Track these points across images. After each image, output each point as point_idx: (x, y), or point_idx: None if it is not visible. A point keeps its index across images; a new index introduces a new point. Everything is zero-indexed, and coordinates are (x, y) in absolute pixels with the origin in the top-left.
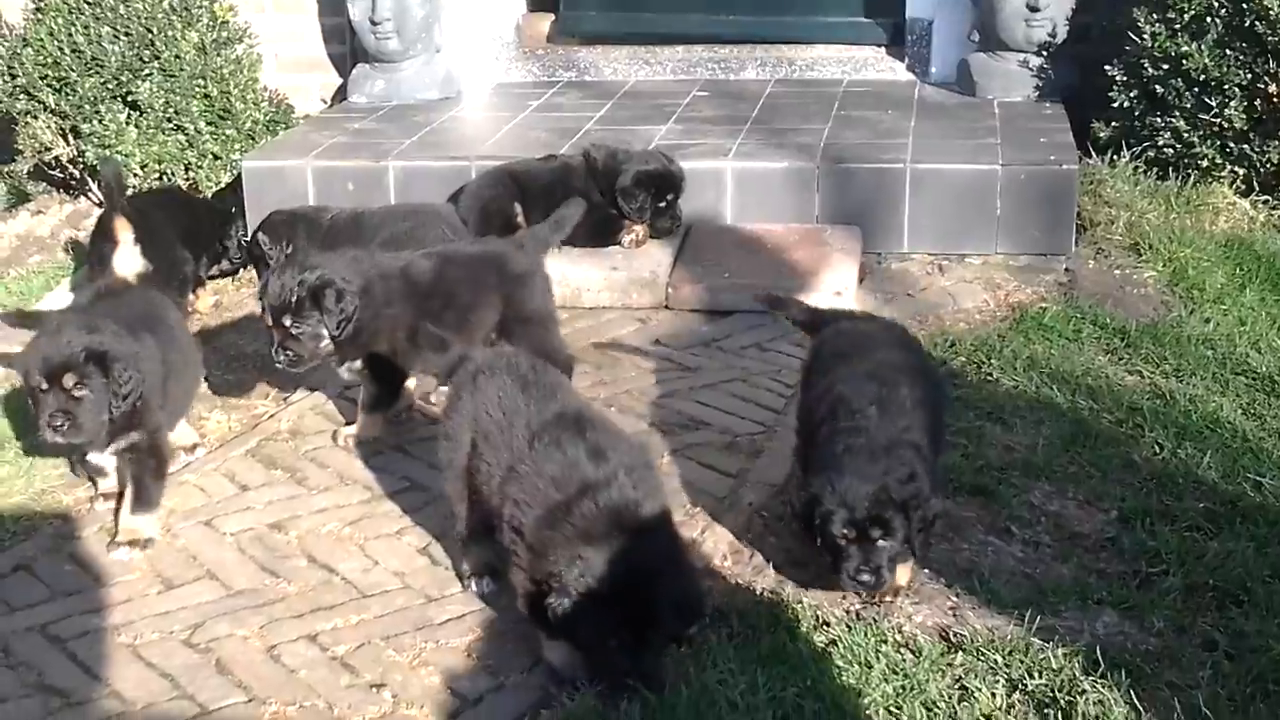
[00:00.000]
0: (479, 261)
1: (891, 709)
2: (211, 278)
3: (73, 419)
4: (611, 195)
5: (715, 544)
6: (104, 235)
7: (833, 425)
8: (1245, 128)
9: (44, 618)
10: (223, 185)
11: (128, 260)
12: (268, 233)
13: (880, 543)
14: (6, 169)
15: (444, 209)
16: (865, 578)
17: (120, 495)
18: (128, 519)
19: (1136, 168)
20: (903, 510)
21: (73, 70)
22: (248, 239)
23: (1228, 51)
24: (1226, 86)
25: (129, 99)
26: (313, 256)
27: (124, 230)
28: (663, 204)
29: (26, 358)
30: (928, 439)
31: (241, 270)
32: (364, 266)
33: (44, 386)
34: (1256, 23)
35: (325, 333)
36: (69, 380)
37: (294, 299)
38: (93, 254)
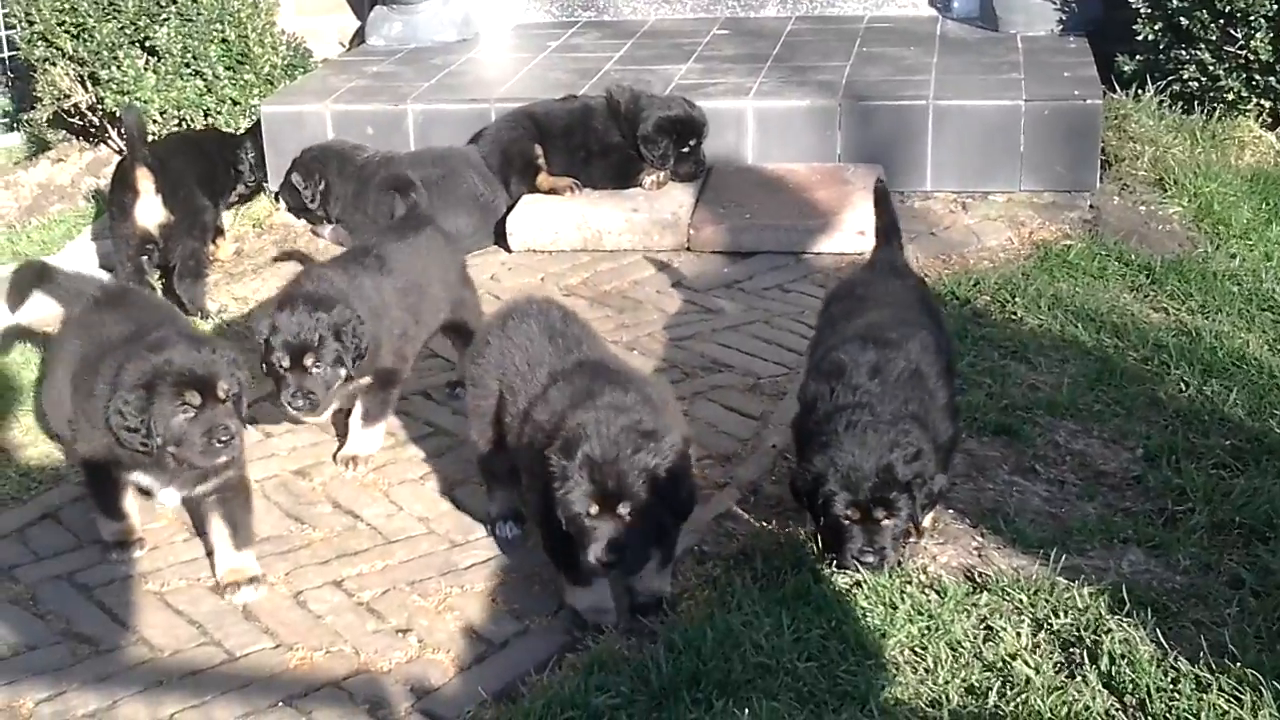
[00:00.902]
0: (428, 249)
1: (916, 649)
2: (231, 204)
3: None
4: (634, 138)
5: (739, 486)
6: (125, 185)
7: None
8: (1272, 59)
9: (71, 566)
10: (241, 130)
11: (149, 211)
12: (300, 171)
13: (885, 522)
14: (26, 117)
15: (472, 154)
16: (869, 559)
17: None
18: (235, 558)
19: (1161, 102)
20: (907, 490)
21: (90, 16)
22: (261, 169)
23: None
24: (1253, 18)
25: (147, 44)
26: (310, 283)
27: (145, 180)
28: (685, 149)
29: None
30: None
31: (259, 193)
32: (362, 287)
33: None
34: None
35: (343, 370)
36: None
37: (316, 337)
38: (113, 203)
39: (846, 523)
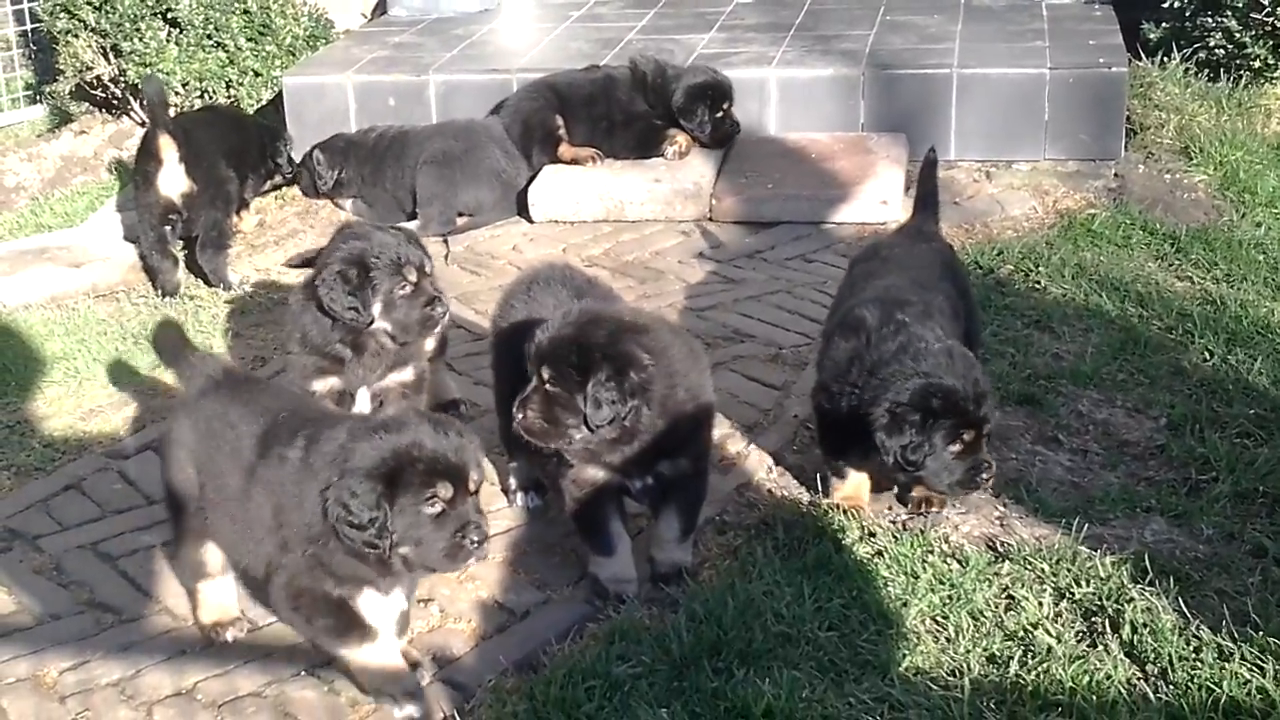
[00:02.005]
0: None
1: (937, 619)
2: (265, 193)
3: None
4: (661, 108)
5: (760, 456)
6: (148, 155)
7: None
8: None
9: (95, 536)
10: (264, 102)
11: (172, 180)
12: (327, 153)
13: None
14: (48, 90)
15: (494, 127)
16: (985, 475)
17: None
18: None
19: (1187, 69)
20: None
21: None
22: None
23: None
24: None
25: (169, 16)
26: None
27: (168, 149)
28: (719, 114)
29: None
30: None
31: (296, 183)
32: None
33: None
34: None
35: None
36: None
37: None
38: (137, 173)
39: (959, 446)
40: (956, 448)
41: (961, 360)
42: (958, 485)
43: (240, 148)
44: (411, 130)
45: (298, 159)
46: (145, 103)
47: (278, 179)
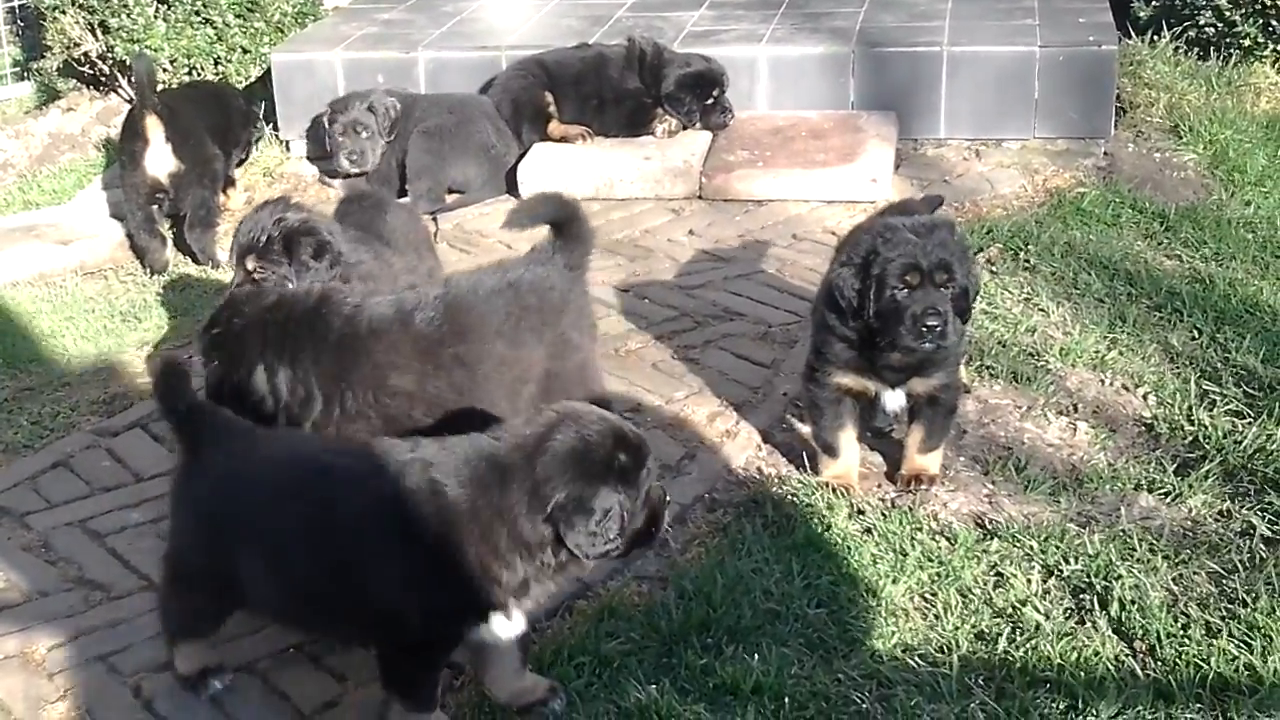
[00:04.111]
0: None
1: (926, 596)
2: (243, 160)
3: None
4: (653, 89)
5: (749, 433)
6: (135, 134)
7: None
8: None
9: (83, 513)
10: (252, 79)
11: (159, 159)
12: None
13: (944, 289)
14: (36, 66)
15: (487, 104)
16: (933, 321)
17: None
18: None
19: (1177, 48)
20: (962, 254)
21: None
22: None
23: None
24: None
25: None
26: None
27: (155, 129)
28: (710, 101)
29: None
30: None
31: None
32: None
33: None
34: None
35: None
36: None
37: None
38: (123, 152)
39: (905, 291)
40: (903, 291)
41: (924, 224)
42: (906, 333)
43: (224, 124)
44: (418, 98)
45: (284, 129)
46: (133, 80)
47: (252, 151)
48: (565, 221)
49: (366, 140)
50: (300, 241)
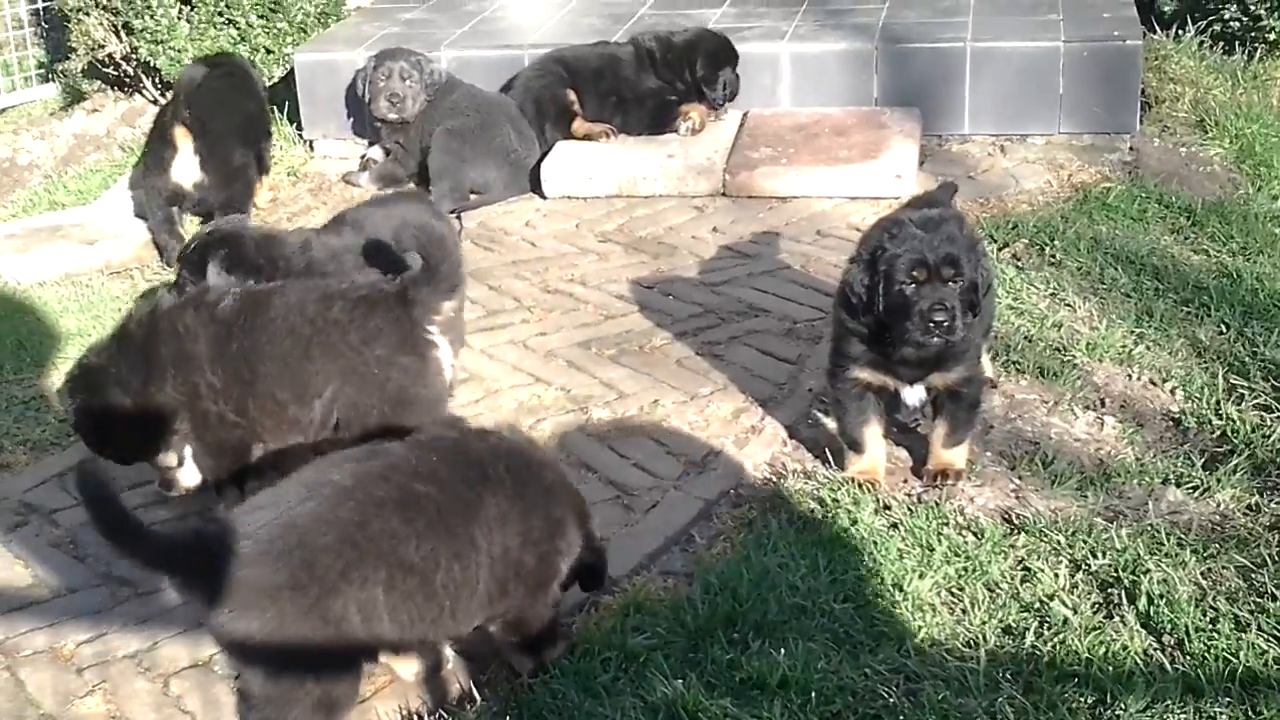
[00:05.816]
0: None
1: (953, 590)
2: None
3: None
4: (680, 82)
5: (775, 429)
6: (164, 140)
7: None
8: None
9: None
10: (275, 80)
11: (185, 169)
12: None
13: (951, 284)
14: (60, 68)
15: (511, 105)
16: (940, 317)
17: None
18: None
19: (1202, 42)
20: (971, 250)
21: None
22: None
23: None
24: None
25: None
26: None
27: (184, 139)
28: (734, 75)
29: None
30: None
31: None
32: None
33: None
34: None
35: None
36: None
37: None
38: (150, 155)
39: (913, 286)
40: (910, 286)
41: (936, 220)
42: (914, 328)
43: (255, 117)
44: (455, 83)
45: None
46: (173, 92)
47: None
48: (431, 259)
49: (408, 86)
50: (214, 252)
